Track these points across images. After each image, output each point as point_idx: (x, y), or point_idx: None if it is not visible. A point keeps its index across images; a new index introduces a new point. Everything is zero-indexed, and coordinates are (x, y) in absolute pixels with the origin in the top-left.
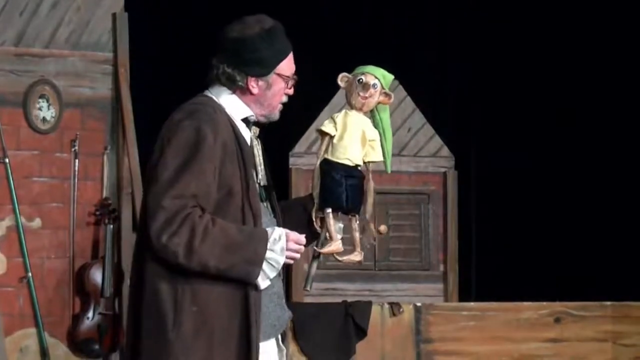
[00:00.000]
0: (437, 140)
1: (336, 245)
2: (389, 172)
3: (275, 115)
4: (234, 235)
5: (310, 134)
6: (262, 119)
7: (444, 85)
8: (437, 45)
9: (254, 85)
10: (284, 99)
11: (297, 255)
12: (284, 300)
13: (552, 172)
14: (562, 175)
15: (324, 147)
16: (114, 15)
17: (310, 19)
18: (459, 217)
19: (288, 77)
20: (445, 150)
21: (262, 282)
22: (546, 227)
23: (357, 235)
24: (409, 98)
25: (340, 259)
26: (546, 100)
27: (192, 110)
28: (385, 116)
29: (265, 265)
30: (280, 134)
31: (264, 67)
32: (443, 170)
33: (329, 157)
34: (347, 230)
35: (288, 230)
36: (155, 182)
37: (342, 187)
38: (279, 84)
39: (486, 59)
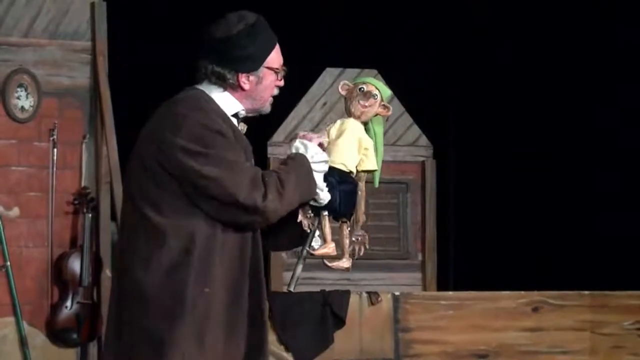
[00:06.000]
0: (416, 130)
1: (330, 248)
2: (377, 186)
3: (267, 109)
4: (285, 168)
5: (289, 123)
6: (252, 113)
7: (423, 75)
8: (415, 35)
9: (245, 81)
10: (275, 91)
11: (321, 136)
12: None
13: (531, 161)
14: (541, 164)
15: None
16: (92, 4)
17: (287, 8)
18: (437, 206)
19: (277, 69)
20: (424, 140)
21: (323, 185)
22: (524, 216)
23: (346, 241)
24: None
25: (329, 264)
26: (525, 90)
27: (194, 103)
28: (379, 130)
29: (315, 166)
30: (258, 124)
31: (253, 62)
32: (421, 159)
33: None
34: (336, 235)
35: (295, 135)
36: (202, 161)
37: (336, 190)
38: (269, 77)
39: (464, 48)
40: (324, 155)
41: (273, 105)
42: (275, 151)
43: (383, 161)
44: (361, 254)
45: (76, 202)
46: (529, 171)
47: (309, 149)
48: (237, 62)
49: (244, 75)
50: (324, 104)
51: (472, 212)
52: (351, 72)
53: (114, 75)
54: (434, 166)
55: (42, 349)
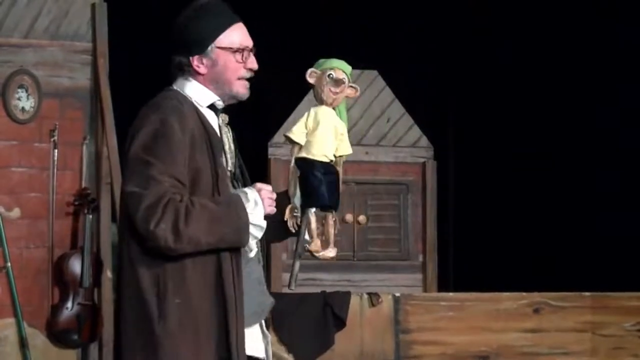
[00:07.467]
0: (416, 131)
1: (317, 245)
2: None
3: (239, 92)
4: (214, 208)
5: (289, 124)
6: (228, 100)
7: (423, 76)
8: (415, 35)
9: (199, 64)
10: (243, 73)
11: (274, 209)
12: (265, 287)
13: (531, 161)
14: (541, 164)
15: (295, 152)
16: (93, 5)
17: (288, 9)
18: (438, 207)
19: (233, 49)
20: (424, 141)
21: (253, 245)
22: (525, 217)
23: (332, 231)
24: (388, 88)
25: (316, 254)
26: (525, 90)
27: (157, 104)
28: (342, 108)
29: (251, 228)
30: (259, 125)
31: (200, 44)
32: (422, 160)
33: (305, 154)
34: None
35: (260, 188)
36: (130, 174)
37: (323, 185)
38: (225, 57)
39: (465, 50)
40: (263, 223)
41: (274, 106)
42: (276, 152)
43: (384, 163)
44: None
45: (77, 203)
46: (529, 171)
47: (256, 211)
48: (187, 46)
49: (195, 58)
50: None
51: (473, 213)
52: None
53: (114, 76)
54: (435, 167)
55: (42, 350)
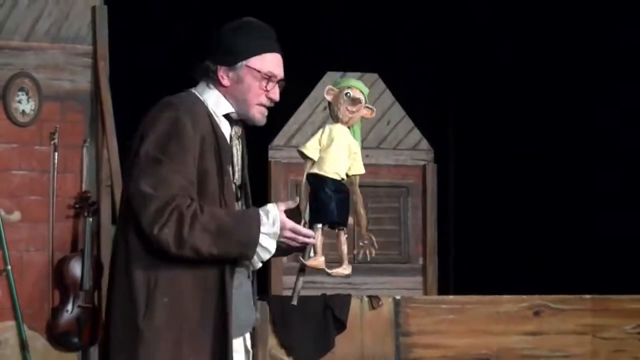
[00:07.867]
0: (417, 133)
1: (320, 262)
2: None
3: (255, 117)
4: (223, 219)
5: (290, 127)
6: (246, 120)
7: (423, 76)
8: (416, 36)
9: (224, 75)
10: (264, 100)
11: (293, 243)
12: (252, 302)
13: (531, 161)
14: (541, 164)
15: (307, 167)
16: (93, 8)
17: (288, 12)
18: (438, 210)
19: (261, 73)
20: (425, 143)
21: (256, 264)
22: (525, 219)
23: (344, 248)
24: (388, 91)
25: (330, 271)
26: (525, 90)
27: (171, 102)
28: (357, 128)
29: (258, 249)
30: (259, 127)
31: (232, 56)
32: (422, 163)
33: (317, 170)
34: (334, 244)
35: (284, 218)
36: (141, 172)
37: (333, 201)
38: (250, 78)
39: (465, 50)
40: (272, 247)
41: (274, 108)
42: (276, 155)
43: (384, 165)
44: (373, 255)
45: (77, 206)
46: (529, 171)
47: (270, 231)
48: (218, 54)
49: (222, 68)
50: (325, 107)
51: (473, 216)
52: (352, 75)
53: (115, 79)
54: (435, 170)
55: (42, 353)
